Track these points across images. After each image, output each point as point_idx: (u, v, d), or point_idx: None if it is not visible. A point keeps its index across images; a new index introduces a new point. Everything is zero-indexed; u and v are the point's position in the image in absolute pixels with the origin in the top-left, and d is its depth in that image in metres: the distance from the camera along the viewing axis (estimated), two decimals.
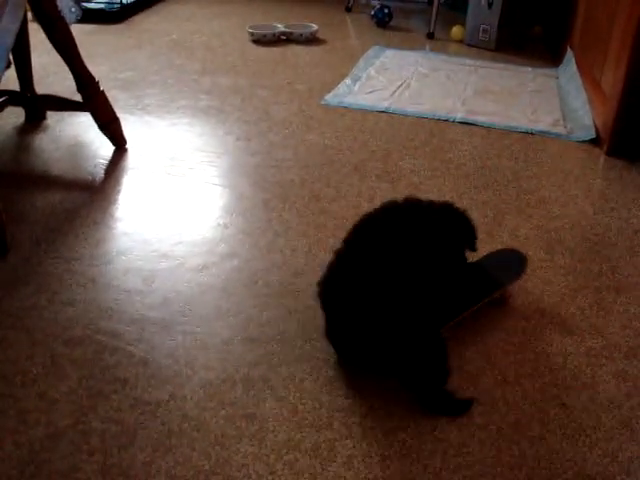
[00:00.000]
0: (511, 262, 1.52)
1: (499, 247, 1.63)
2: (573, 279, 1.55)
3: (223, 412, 1.15)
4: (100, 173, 1.93)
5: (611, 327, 1.40)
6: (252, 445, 1.09)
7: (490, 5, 3.18)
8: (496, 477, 1.06)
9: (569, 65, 2.80)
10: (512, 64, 3.03)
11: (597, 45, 2.48)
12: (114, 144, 2.06)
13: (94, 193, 1.82)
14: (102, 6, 3.42)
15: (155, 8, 3.69)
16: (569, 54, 2.86)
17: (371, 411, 1.16)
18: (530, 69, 2.97)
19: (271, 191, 1.84)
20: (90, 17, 3.33)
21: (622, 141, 2.12)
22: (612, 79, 2.21)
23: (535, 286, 1.51)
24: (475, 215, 1.75)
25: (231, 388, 1.20)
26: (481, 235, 1.66)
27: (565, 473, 1.07)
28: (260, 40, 3.17)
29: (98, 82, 1.98)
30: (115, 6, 3.44)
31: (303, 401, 1.18)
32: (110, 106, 2.03)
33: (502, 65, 3.01)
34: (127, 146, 2.07)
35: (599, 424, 1.17)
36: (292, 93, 2.56)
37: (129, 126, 2.17)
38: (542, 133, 2.28)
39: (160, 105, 2.39)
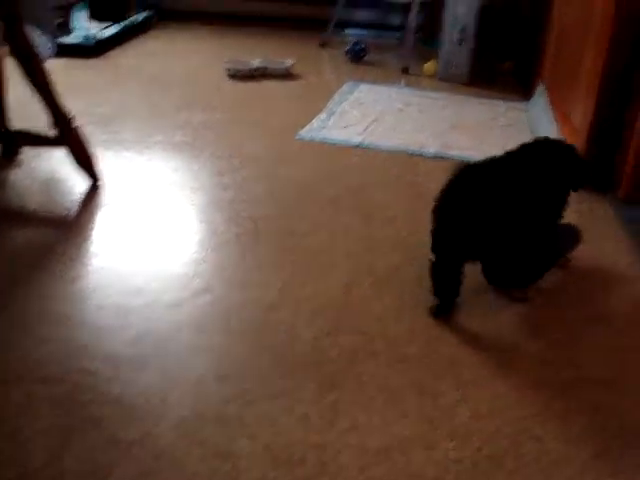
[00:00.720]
0: (569, 233, 1.72)
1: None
2: (548, 310, 1.56)
3: (196, 450, 1.14)
4: (75, 209, 1.93)
5: (584, 358, 1.42)
6: None
7: (462, 41, 3.23)
8: None
9: (540, 99, 2.85)
10: (484, 98, 3.08)
11: (567, 79, 2.54)
12: (89, 180, 2.06)
13: (69, 229, 1.82)
14: (79, 41, 3.43)
15: (132, 43, 3.70)
16: (540, 88, 2.91)
17: (345, 447, 1.16)
18: (502, 103, 3.01)
19: (245, 226, 1.85)
20: (67, 52, 3.34)
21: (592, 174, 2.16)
22: (581, 112, 2.25)
23: (508, 317, 1.52)
24: None
25: (204, 426, 1.19)
26: None
27: None
28: (236, 75, 3.20)
29: (73, 118, 1.98)
30: (92, 41, 3.45)
31: (276, 438, 1.17)
32: (86, 142, 2.03)
33: (474, 99, 3.06)
34: (102, 182, 2.06)
35: (573, 456, 1.18)
36: (267, 128, 2.58)
37: (105, 161, 2.16)
38: None
39: (136, 140, 2.40)
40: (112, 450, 1.13)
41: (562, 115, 2.52)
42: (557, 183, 1.60)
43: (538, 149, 1.63)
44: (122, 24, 3.62)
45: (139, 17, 3.89)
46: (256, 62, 3.27)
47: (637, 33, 2.00)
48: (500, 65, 3.59)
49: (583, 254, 1.79)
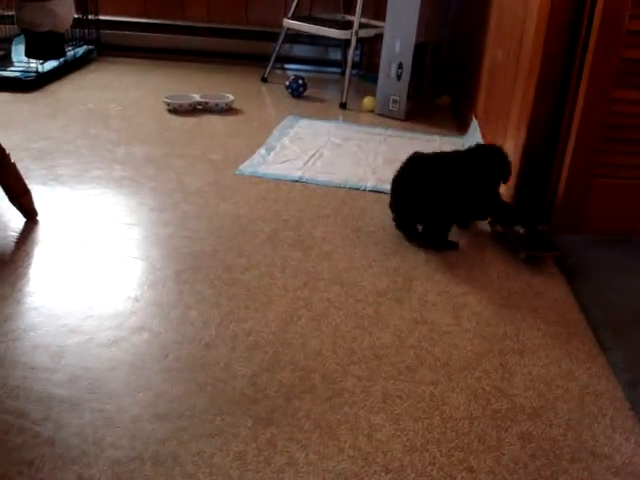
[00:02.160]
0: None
1: (409, 313, 1.68)
2: (479, 343, 1.60)
3: None
4: (10, 246, 1.90)
5: (515, 389, 1.45)
6: None
7: (399, 77, 3.31)
8: None
9: (474, 134, 2.93)
10: (421, 133, 3.16)
11: (499, 114, 2.62)
12: (25, 216, 2.03)
13: (3, 267, 1.79)
14: (17, 74, 3.40)
15: (71, 76, 3.69)
16: (474, 123, 3.00)
17: None
18: (438, 137, 3.09)
19: (183, 262, 1.85)
20: (5, 85, 3.32)
21: (523, 210, 2.23)
22: (513, 147, 2.32)
23: (442, 351, 1.55)
24: (385, 282, 1.81)
25: (140, 466, 1.18)
26: (390, 301, 1.72)
27: None
28: (176, 110, 3.21)
29: (9, 154, 1.96)
30: (31, 74, 3.42)
31: (213, 477, 1.17)
32: (21, 178, 2.01)
33: (411, 134, 3.13)
34: (38, 218, 2.04)
35: None
36: (207, 163, 2.59)
37: (41, 197, 2.14)
38: None
39: (73, 175, 2.38)
40: None
41: None
42: (484, 172, 2.11)
43: (475, 149, 2.19)
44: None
45: (79, 51, 3.89)
46: (197, 97, 3.29)
47: (565, 72, 2.08)
48: (437, 100, 3.69)
49: (515, 284, 1.85)
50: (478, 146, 2.22)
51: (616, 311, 1.73)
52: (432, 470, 1.22)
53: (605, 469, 1.26)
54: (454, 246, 2.06)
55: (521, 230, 2.05)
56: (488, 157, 2.14)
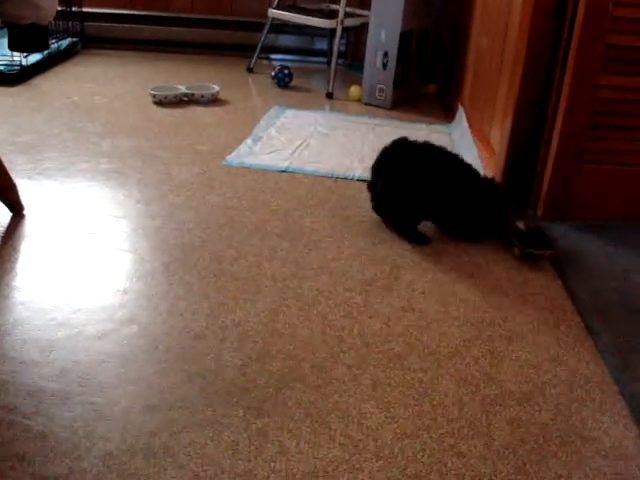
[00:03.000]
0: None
1: (397, 301, 1.69)
2: (467, 329, 1.61)
3: None
4: None
5: (504, 375, 1.46)
6: None
7: (385, 65, 3.31)
8: None
9: (460, 121, 2.93)
10: (407, 121, 3.16)
11: (485, 102, 2.62)
12: (11, 210, 2.02)
13: None
14: (1, 68, 3.37)
15: (55, 70, 3.67)
16: (460, 111, 3.01)
17: (273, 473, 1.17)
18: (424, 126, 3.09)
19: (172, 254, 1.85)
20: None
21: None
22: (499, 135, 2.33)
23: (431, 338, 1.56)
24: (373, 270, 1.81)
25: (131, 458, 1.18)
26: (379, 290, 1.73)
27: None
28: (162, 102, 3.20)
29: None
30: (15, 68, 3.40)
31: (205, 467, 1.17)
32: (6, 172, 2.00)
33: (398, 123, 3.13)
34: (25, 212, 2.03)
35: (495, 471, 1.21)
36: (194, 154, 2.58)
37: (27, 191, 2.13)
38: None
39: (59, 169, 2.37)
40: None
41: (481, 137, 2.61)
42: (464, 184, 2.04)
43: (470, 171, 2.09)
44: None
45: (63, 44, 3.86)
46: (182, 88, 3.28)
47: (551, 58, 2.08)
48: (423, 88, 3.69)
49: (503, 271, 1.86)
50: (474, 173, 2.09)
51: (604, 296, 1.75)
52: (423, 456, 1.23)
53: (594, 452, 1.27)
54: (423, 240, 2.01)
55: (521, 225, 1.99)
56: (477, 181, 2.07)
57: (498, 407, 1.37)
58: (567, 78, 2.01)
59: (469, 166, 2.08)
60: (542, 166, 2.15)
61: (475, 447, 1.26)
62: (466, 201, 2.02)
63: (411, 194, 2.00)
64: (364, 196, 2.28)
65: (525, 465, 1.23)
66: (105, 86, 3.43)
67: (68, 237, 1.91)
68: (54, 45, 3.75)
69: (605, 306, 1.70)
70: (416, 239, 2.02)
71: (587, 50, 1.96)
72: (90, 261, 1.80)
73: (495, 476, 1.20)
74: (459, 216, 2.04)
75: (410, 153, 2.06)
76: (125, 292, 1.67)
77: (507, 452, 1.26)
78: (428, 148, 2.08)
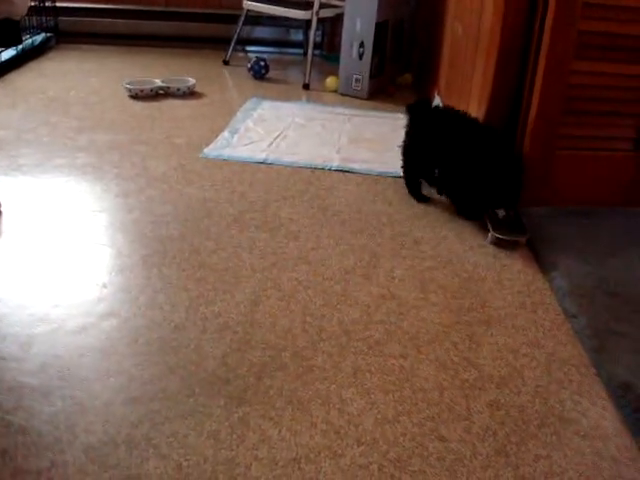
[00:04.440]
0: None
1: (376, 289, 1.70)
2: (446, 315, 1.62)
3: (106, 475, 1.13)
4: None
5: (482, 359, 1.48)
6: None
7: (361, 56, 3.31)
8: None
9: None
10: (384, 111, 3.16)
11: (461, 90, 2.63)
12: None
13: None
14: None
15: (30, 65, 3.63)
16: (437, 100, 3.01)
17: (255, 461, 1.17)
18: (401, 115, 3.08)
19: (150, 247, 1.84)
20: None
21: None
22: None
23: (411, 325, 1.57)
24: (352, 259, 1.82)
25: (114, 450, 1.19)
26: (358, 278, 1.73)
27: None
28: (137, 95, 3.18)
29: None
30: None
31: (187, 457, 1.18)
32: None
33: (374, 113, 3.14)
34: (1, 209, 2.02)
35: (476, 453, 1.22)
36: (171, 147, 2.57)
37: (3, 188, 2.12)
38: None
39: (35, 164, 2.35)
40: None
41: None
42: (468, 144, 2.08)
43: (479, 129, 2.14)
44: (18, 47, 3.55)
45: (37, 39, 3.83)
46: (158, 81, 3.26)
47: (525, 46, 2.10)
48: (400, 78, 3.70)
49: (481, 257, 1.88)
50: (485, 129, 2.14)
51: (580, 280, 1.76)
52: (404, 440, 1.24)
53: (573, 433, 1.29)
54: (420, 198, 2.23)
55: (501, 214, 2.02)
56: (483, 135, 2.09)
57: (477, 391, 1.38)
58: (541, 65, 2.02)
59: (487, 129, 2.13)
60: (518, 152, 2.16)
61: (455, 430, 1.28)
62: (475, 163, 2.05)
63: (413, 150, 2.22)
64: (342, 186, 2.30)
65: (505, 447, 1.24)
66: (80, 81, 3.40)
67: (46, 233, 1.90)
68: (28, 41, 3.71)
69: (582, 290, 1.72)
70: (415, 194, 2.24)
71: (560, 37, 1.98)
72: (68, 256, 1.80)
73: (475, 458, 1.21)
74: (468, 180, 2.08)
75: (422, 112, 2.25)
76: (104, 286, 1.66)
77: (487, 434, 1.27)
78: (440, 111, 2.28)
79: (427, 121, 2.21)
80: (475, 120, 2.15)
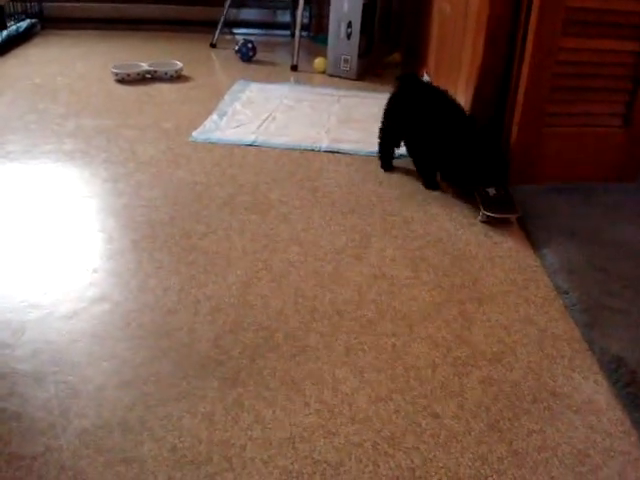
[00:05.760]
0: None
1: (368, 269, 1.70)
2: (438, 294, 1.62)
3: (101, 459, 1.14)
4: None
5: (475, 336, 1.48)
6: None
7: (349, 36, 3.30)
8: None
9: None
10: (373, 92, 3.15)
11: (450, 68, 2.62)
12: None
13: None
14: None
15: (15, 52, 3.60)
16: (426, 78, 3.00)
17: (250, 442, 1.18)
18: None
19: (140, 231, 1.84)
20: None
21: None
22: (463, 102, 2.34)
23: (402, 303, 1.58)
24: (343, 239, 1.82)
25: (108, 434, 1.19)
26: (349, 258, 1.73)
27: None
28: (124, 79, 3.16)
29: None
30: None
31: (182, 439, 1.18)
32: None
33: (363, 93, 3.12)
34: None
35: (469, 429, 1.23)
36: (159, 132, 2.56)
37: None
38: (403, 156, 2.38)
39: (24, 151, 2.34)
40: (13, 468, 1.11)
41: None
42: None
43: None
44: (3, 33, 3.52)
45: (22, 25, 3.79)
46: (145, 65, 3.24)
47: (513, 23, 2.09)
48: (388, 57, 3.68)
49: (472, 235, 1.88)
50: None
51: (571, 256, 1.77)
52: (397, 418, 1.24)
53: (566, 408, 1.30)
54: (385, 165, 2.33)
55: (492, 192, 2.01)
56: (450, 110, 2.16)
57: (470, 368, 1.39)
58: (529, 42, 2.02)
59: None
60: (507, 130, 2.16)
61: (449, 407, 1.28)
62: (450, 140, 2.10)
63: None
64: (332, 167, 2.29)
65: (498, 422, 1.25)
66: (66, 66, 3.38)
67: (35, 219, 1.89)
68: (13, 27, 3.68)
69: (573, 266, 1.72)
70: (383, 160, 2.35)
71: (548, 14, 1.97)
72: (58, 241, 1.79)
73: (469, 434, 1.22)
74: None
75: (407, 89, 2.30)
76: (95, 271, 1.66)
77: (480, 411, 1.28)
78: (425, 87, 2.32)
79: (409, 90, 2.28)
80: (454, 101, 2.18)
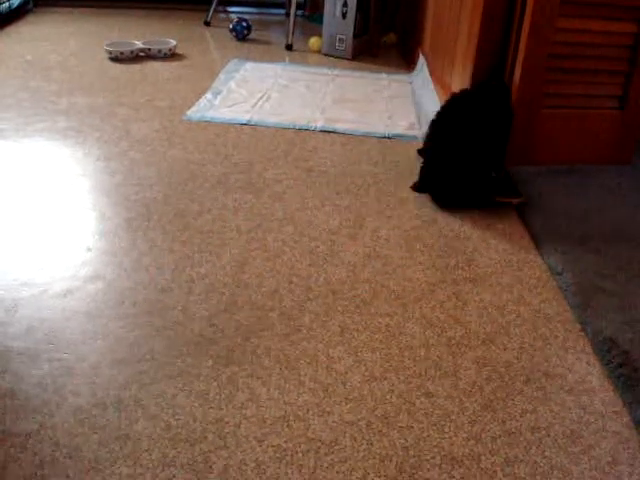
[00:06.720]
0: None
1: (362, 249, 1.70)
2: (432, 274, 1.62)
3: (95, 436, 1.14)
4: None
5: (469, 316, 1.48)
6: (127, 466, 1.08)
7: (344, 15, 3.27)
8: (368, 470, 1.10)
9: (422, 70, 2.92)
10: (368, 72, 3.14)
11: (446, 49, 2.61)
12: None
13: None
14: None
15: (7, 29, 3.56)
16: (421, 60, 2.99)
17: (244, 420, 1.18)
18: (385, 76, 3.08)
19: (134, 210, 1.83)
20: None
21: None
22: (460, 83, 2.33)
23: (397, 284, 1.58)
24: (338, 219, 1.82)
25: (102, 412, 1.19)
26: (343, 238, 1.73)
27: (433, 459, 1.13)
28: (118, 58, 3.13)
29: None
30: None
31: (176, 417, 1.18)
32: None
33: (358, 73, 3.11)
34: None
35: (462, 409, 1.24)
36: (153, 110, 2.54)
37: None
38: (399, 137, 2.37)
39: (16, 129, 2.32)
40: (7, 445, 1.11)
41: (443, 85, 2.60)
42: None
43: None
44: None
45: (14, 3, 3.75)
46: (139, 43, 3.21)
47: (508, 5, 2.08)
48: (384, 38, 3.67)
49: (465, 216, 1.88)
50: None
51: (565, 237, 1.77)
52: (391, 397, 1.25)
53: (559, 388, 1.30)
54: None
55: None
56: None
57: (464, 348, 1.39)
58: (525, 23, 2.01)
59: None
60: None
61: (442, 386, 1.28)
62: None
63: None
64: (327, 147, 2.28)
65: (491, 402, 1.26)
66: (59, 44, 3.35)
67: (28, 197, 1.88)
68: (5, 4, 3.64)
69: (567, 247, 1.73)
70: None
71: None
72: (52, 220, 1.78)
73: (462, 413, 1.22)
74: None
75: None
76: (88, 249, 1.65)
77: (473, 390, 1.28)
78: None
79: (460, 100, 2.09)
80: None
